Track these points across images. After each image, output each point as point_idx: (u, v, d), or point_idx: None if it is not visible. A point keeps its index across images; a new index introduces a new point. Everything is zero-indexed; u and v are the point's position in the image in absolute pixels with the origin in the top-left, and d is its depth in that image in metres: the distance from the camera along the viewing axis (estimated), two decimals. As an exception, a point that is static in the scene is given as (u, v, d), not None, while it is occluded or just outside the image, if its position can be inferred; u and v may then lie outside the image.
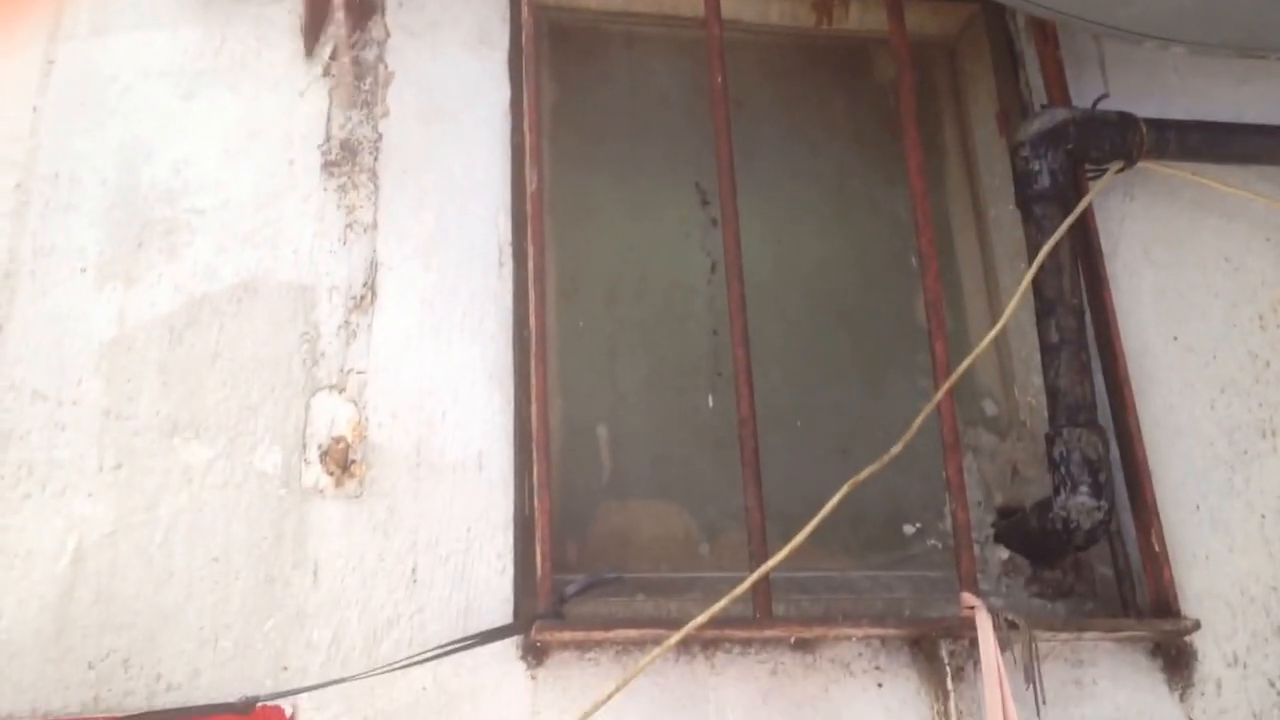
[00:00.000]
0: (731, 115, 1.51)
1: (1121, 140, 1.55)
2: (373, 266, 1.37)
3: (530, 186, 1.44)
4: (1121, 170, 1.57)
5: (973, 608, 1.25)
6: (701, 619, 1.17)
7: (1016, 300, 1.40)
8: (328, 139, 1.43)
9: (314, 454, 1.25)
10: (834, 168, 1.75)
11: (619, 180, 1.67)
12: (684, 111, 1.72)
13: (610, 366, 1.53)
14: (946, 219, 1.74)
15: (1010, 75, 1.74)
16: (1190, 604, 1.37)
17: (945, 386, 1.36)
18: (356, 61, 1.47)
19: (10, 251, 1.29)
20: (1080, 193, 1.54)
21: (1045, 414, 1.46)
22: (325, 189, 1.40)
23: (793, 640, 1.26)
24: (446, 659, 1.18)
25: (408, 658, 1.18)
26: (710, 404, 1.51)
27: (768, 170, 1.72)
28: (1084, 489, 1.36)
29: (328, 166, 1.42)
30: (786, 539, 1.21)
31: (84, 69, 1.38)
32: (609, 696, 1.12)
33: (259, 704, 1.12)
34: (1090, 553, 1.42)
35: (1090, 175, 1.57)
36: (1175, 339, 1.52)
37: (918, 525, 1.50)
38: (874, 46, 1.81)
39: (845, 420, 1.54)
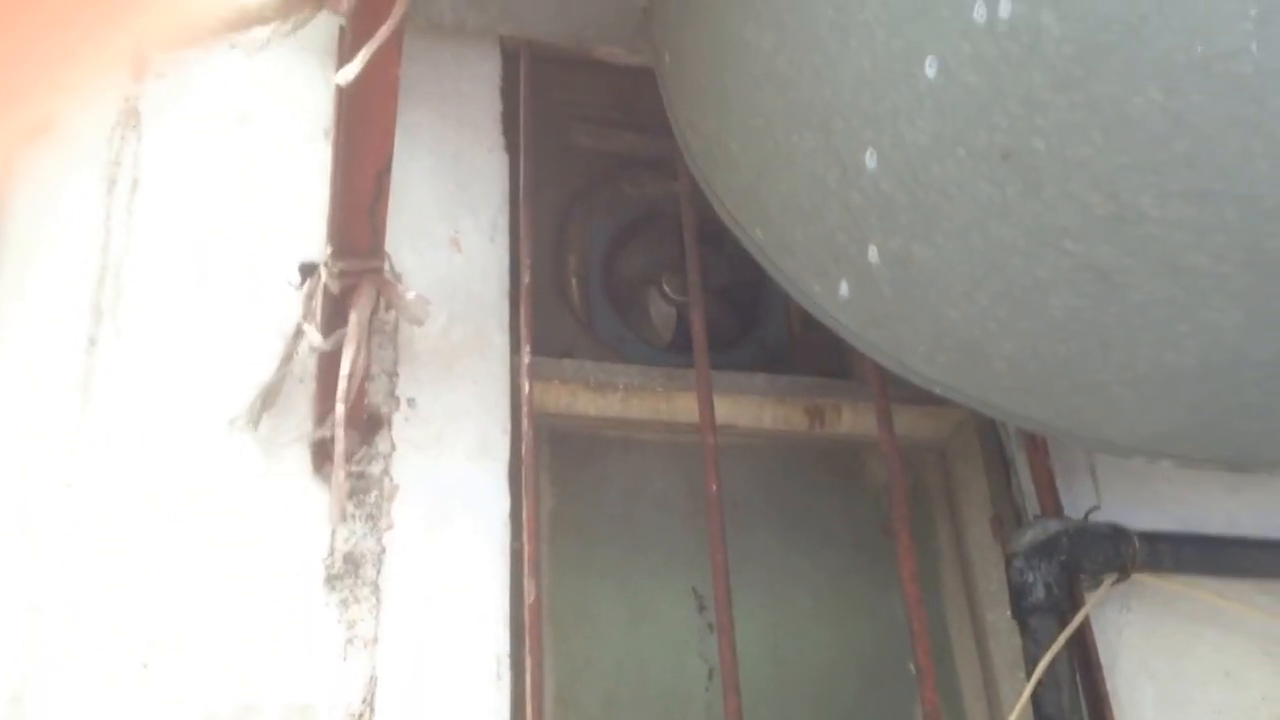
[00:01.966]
0: (727, 519, 1.77)
1: (1115, 553, 1.81)
2: (372, 682, 1.60)
3: (528, 598, 1.70)
4: (1117, 583, 1.82)
5: None
6: None
7: (1015, 717, 1.63)
8: (331, 553, 1.70)
9: None
10: (830, 571, 2.01)
11: (617, 585, 1.92)
12: (680, 516, 2.01)
13: (605, 781, 1.74)
14: (944, 624, 1.99)
15: (1002, 479, 2.07)
16: None
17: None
18: (361, 476, 1.78)
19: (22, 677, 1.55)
20: (1077, 605, 1.80)
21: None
22: (327, 604, 1.66)
23: None
24: None
25: None
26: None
27: (764, 574, 1.98)
28: None
29: (330, 580, 1.69)
30: None
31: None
32: None
33: None
34: None
35: (1086, 587, 1.83)
36: (1182, 756, 1.71)
37: None
38: (866, 449, 2.13)
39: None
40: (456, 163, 2.07)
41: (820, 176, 1.50)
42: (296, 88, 2.02)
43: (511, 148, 2.10)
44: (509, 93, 2.16)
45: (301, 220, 1.92)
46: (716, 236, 2.18)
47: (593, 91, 2.43)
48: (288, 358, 1.72)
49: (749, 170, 1.63)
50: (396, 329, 1.88)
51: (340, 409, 1.58)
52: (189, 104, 1.96)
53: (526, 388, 1.83)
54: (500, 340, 1.93)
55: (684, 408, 2.05)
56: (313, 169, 1.96)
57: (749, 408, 2.09)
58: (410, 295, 1.66)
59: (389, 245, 1.63)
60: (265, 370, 1.73)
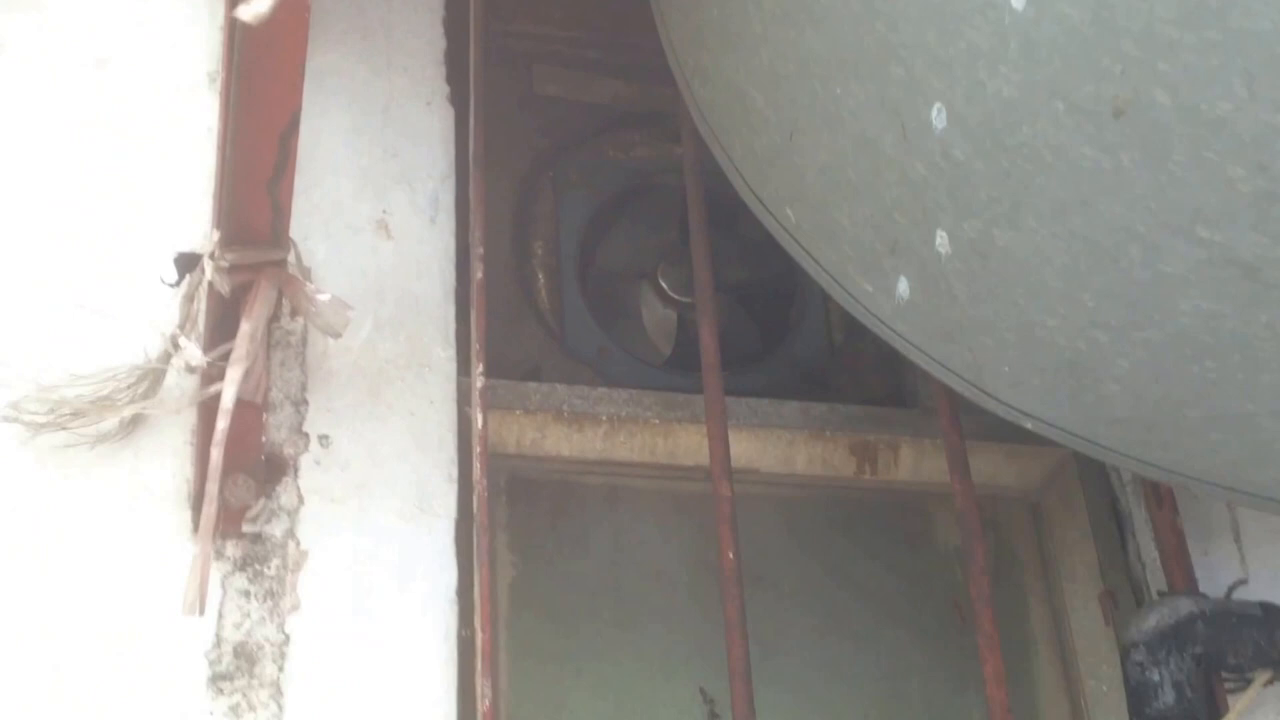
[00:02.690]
0: (747, 596, 1.76)
1: (1269, 642, 1.79)
2: (270, 820, 1.61)
3: (482, 702, 1.69)
4: (1270, 682, 1.80)
5: None
6: None
7: None
8: (217, 643, 1.69)
9: None
10: (883, 664, 2.00)
11: (599, 684, 1.91)
12: (684, 590, 2.00)
13: None
14: (1039, 737, 2.01)
15: (1115, 543, 2.07)
16: None
17: None
18: (258, 540, 1.77)
19: None
20: (1217, 712, 1.78)
21: None
22: (211, 713, 1.65)
23: None
24: None
25: None
26: None
27: (796, 669, 1.97)
28: None
29: (216, 681, 1.66)
30: None
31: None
32: None
33: None
34: None
35: (1230, 688, 1.80)
36: None
37: None
38: (933, 502, 2.13)
39: None
40: (385, 119, 2.07)
41: (872, 139, 1.51)
42: (171, 19, 2.02)
43: (458, 98, 2.10)
44: (455, 25, 2.16)
45: (179, 195, 1.91)
46: (731, 217, 2.18)
47: (565, 23, 2.44)
48: (157, 380, 1.72)
49: (778, 130, 1.63)
50: (305, 342, 1.88)
51: (215, 456, 1.57)
52: (44, 42, 1.96)
53: (479, 420, 1.84)
54: (444, 356, 1.93)
55: (689, 446, 2.05)
56: (194, 127, 1.96)
57: (776, 446, 2.09)
58: (323, 297, 1.66)
59: (296, 230, 1.63)
60: (127, 395, 1.71)
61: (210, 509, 1.58)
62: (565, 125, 2.38)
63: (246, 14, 1.24)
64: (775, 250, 1.74)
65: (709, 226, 2.03)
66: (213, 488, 1.60)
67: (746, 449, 2.05)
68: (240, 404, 1.60)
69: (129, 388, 1.70)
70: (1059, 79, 1.35)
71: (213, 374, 1.64)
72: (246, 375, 1.61)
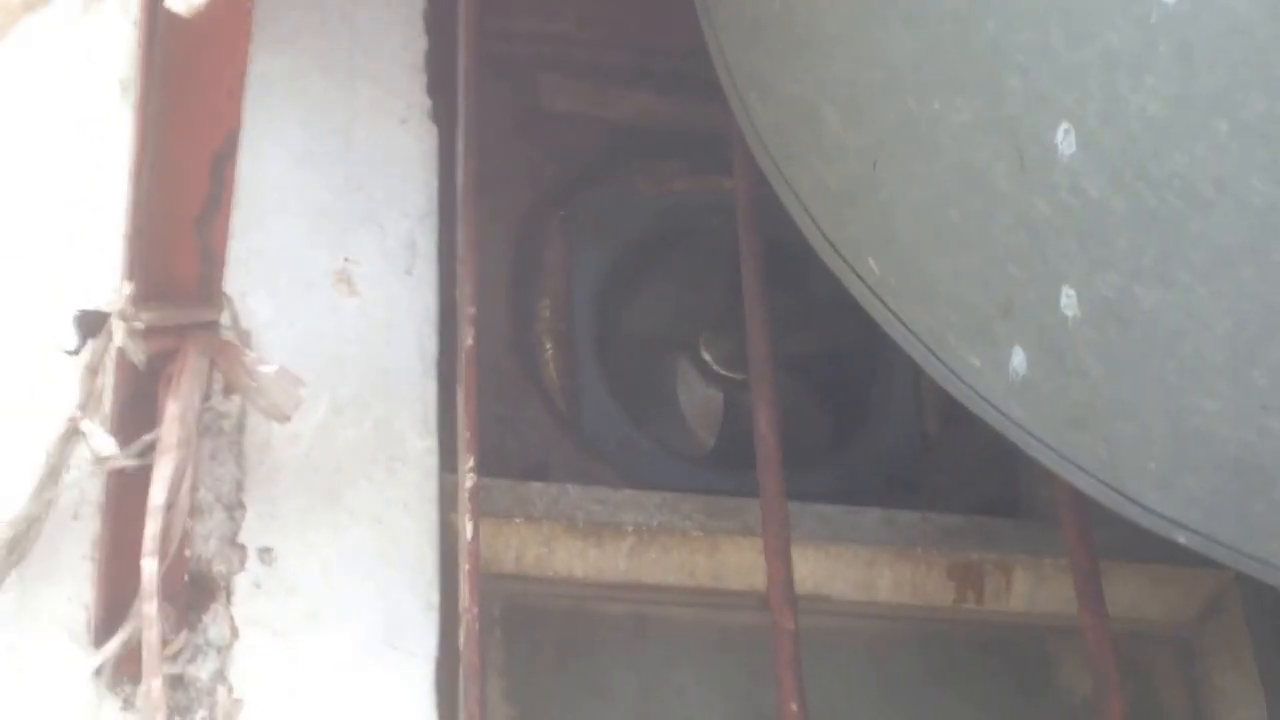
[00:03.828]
0: None
1: None
2: None
3: None
4: None
5: None
6: None
7: None
8: (128, 818, 1.69)
9: None
10: None
11: None
12: (732, 754, 2.02)
13: None
14: None
15: (1293, 696, 2.08)
16: None
17: None
18: (180, 684, 1.77)
19: None
20: None
21: None
22: None
23: None
24: None
25: None
26: None
27: None
28: None
29: None
30: None
31: None
32: None
33: None
34: None
35: None
36: None
37: None
38: (1056, 639, 2.14)
39: None
40: (348, 141, 2.08)
41: (981, 170, 1.51)
42: (68, 7, 2.04)
43: (443, 115, 2.12)
44: (439, 22, 2.18)
45: (81, 238, 1.93)
46: (797, 271, 2.19)
47: (580, 21, 2.46)
48: (52, 478, 1.72)
49: (858, 158, 1.63)
50: (242, 428, 1.88)
51: (149, 569, 1.58)
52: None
53: (467, 531, 1.83)
54: (422, 447, 1.94)
55: (739, 565, 2.05)
56: (102, 150, 1.97)
57: (853, 567, 2.10)
58: (267, 369, 1.66)
59: (232, 283, 1.63)
60: (11, 500, 1.71)
61: (151, 637, 1.58)
62: (580, 150, 2.40)
63: (181, 5, 1.25)
64: (853, 313, 1.74)
65: (767, 282, 2.03)
66: (150, 608, 1.59)
67: (814, 570, 2.06)
68: (168, 507, 1.60)
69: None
70: (1223, 92, 1.34)
71: (123, 475, 1.64)
72: (176, 471, 1.61)
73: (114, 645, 1.66)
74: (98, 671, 1.73)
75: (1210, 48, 1.34)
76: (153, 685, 1.60)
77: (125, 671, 1.71)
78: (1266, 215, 1.37)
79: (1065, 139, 1.44)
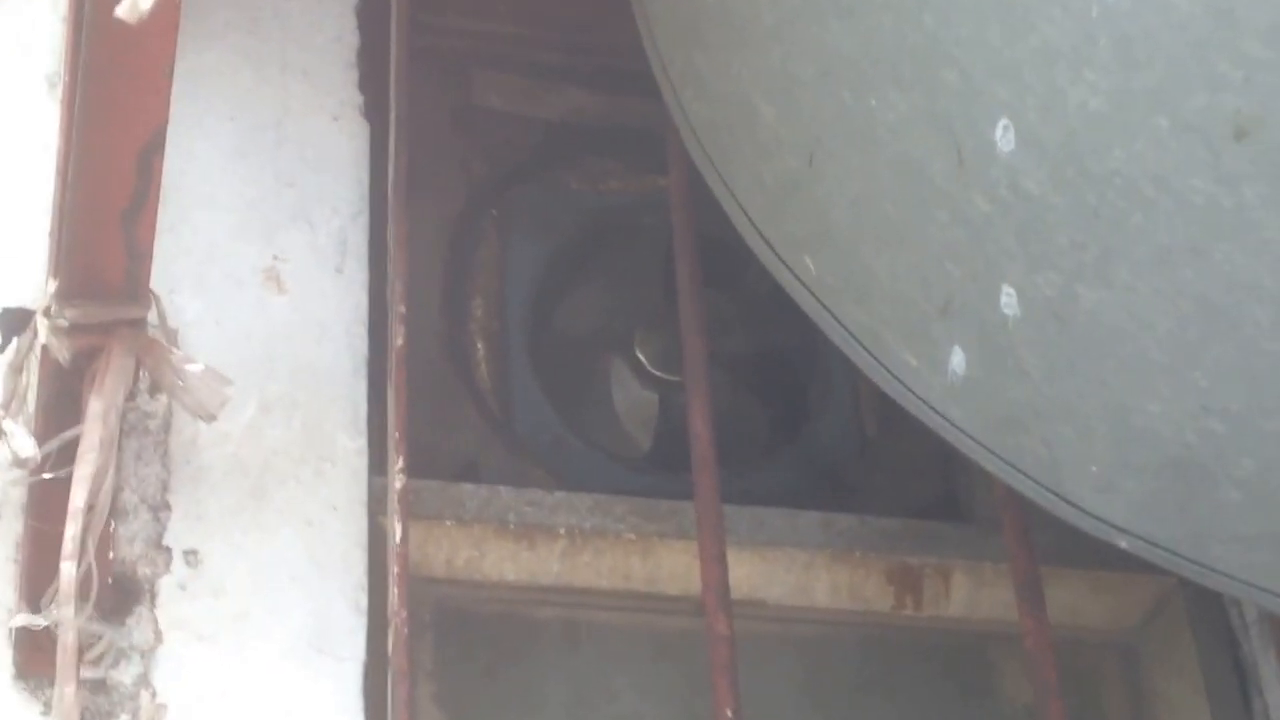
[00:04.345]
0: None
1: None
2: None
3: None
4: None
5: None
6: None
7: None
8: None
9: None
10: None
11: None
12: (667, 760, 2.00)
13: None
14: None
15: (1234, 700, 2.05)
16: None
17: None
18: (101, 688, 1.74)
19: None
20: None
21: None
22: None
23: None
24: None
25: None
26: None
27: None
28: None
29: None
30: None
31: None
32: None
33: None
34: None
35: None
36: None
37: None
38: (996, 645, 2.14)
39: None
40: (279, 137, 2.07)
41: (918, 165, 1.51)
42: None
43: (375, 111, 2.11)
44: (372, 18, 2.17)
45: (5, 234, 1.91)
46: (733, 269, 2.19)
47: (514, 17, 2.45)
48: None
49: (794, 153, 1.63)
50: (168, 428, 1.87)
51: (67, 572, 1.56)
52: None
53: (397, 533, 1.83)
54: (351, 448, 1.93)
55: (674, 569, 2.05)
56: (27, 145, 1.96)
57: (790, 571, 2.09)
58: (194, 368, 1.66)
59: (159, 280, 1.62)
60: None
61: (66, 641, 1.57)
62: (514, 148, 2.39)
63: (126, 10, 1.24)
64: (790, 312, 1.74)
65: (703, 281, 2.03)
66: (68, 612, 1.58)
67: (750, 574, 2.05)
68: (89, 508, 1.59)
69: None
70: (1163, 88, 1.35)
71: (45, 469, 1.63)
72: (99, 472, 1.60)
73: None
74: (21, 678, 1.72)
75: (1150, 43, 1.35)
76: (66, 691, 1.59)
77: (46, 675, 1.69)
78: (1207, 213, 1.38)
79: (1004, 135, 1.44)
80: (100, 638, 1.74)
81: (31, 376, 1.65)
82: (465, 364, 2.25)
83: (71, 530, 1.57)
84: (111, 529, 1.77)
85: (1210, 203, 1.37)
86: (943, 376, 1.59)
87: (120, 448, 1.74)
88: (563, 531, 2.02)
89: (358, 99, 2.12)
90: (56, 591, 1.61)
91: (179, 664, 1.77)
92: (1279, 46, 1.30)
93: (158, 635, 1.79)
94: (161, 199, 1.51)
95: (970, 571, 2.12)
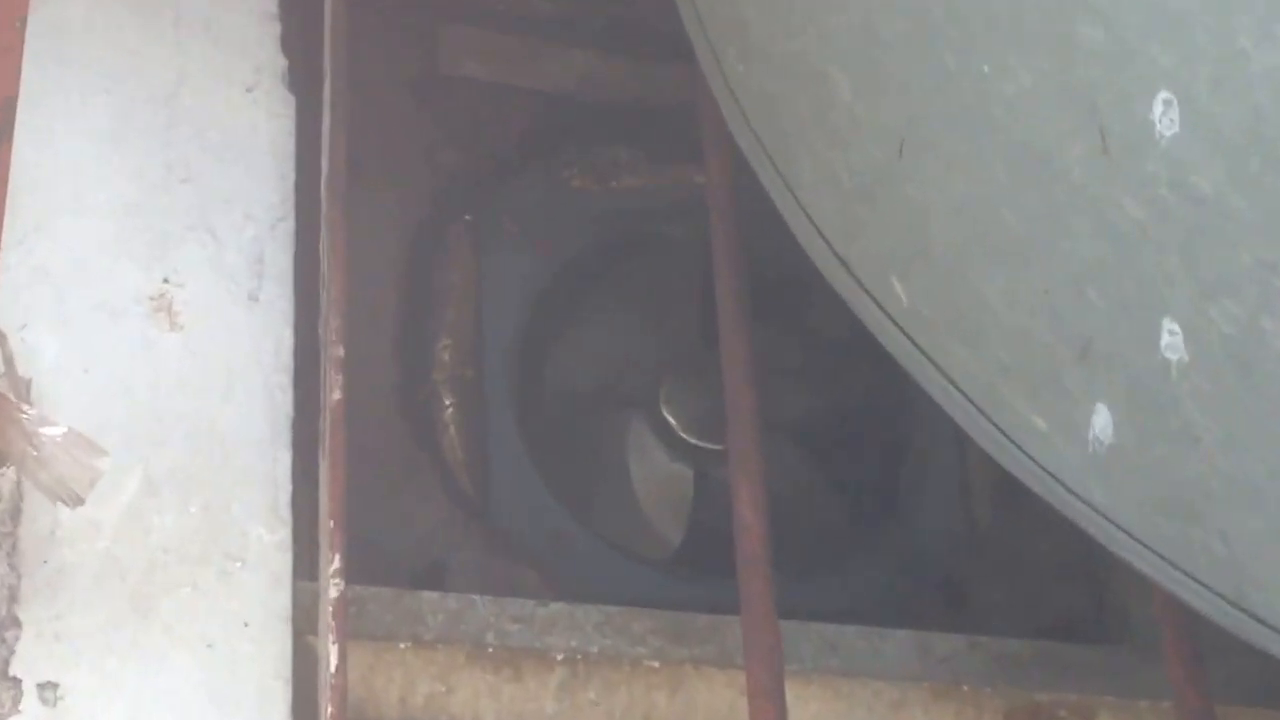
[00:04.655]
0: None
1: None
2: None
3: None
4: None
5: None
6: None
7: None
8: None
9: None
10: None
11: None
12: None
13: None
14: None
15: None
16: None
17: None
18: None
19: None
20: None
21: None
22: None
23: None
24: None
25: None
26: None
27: None
28: None
29: None
30: None
31: None
32: None
33: None
34: None
35: None
36: None
37: None
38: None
39: None
40: (172, 116, 2.09)
41: (1047, 156, 1.51)
42: None
43: (303, 81, 2.13)
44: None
45: None
46: (795, 299, 2.19)
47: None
48: None
49: (878, 142, 1.64)
50: (18, 514, 1.88)
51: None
52: None
53: (332, 659, 1.83)
54: (270, 541, 1.94)
55: (714, 707, 2.06)
56: None
57: (875, 711, 2.10)
58: (53, 432, 1.66)
59: (7, 313, 1.62)
60: None
61: None
62: (497, 131, 2.40)
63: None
64: (874, 357, 1.74)
65: (754, 315, 2.03)
66: None
67: (820, 714, 2.07)
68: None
69: None
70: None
71: None
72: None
73: None
74: None
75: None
76: None
77: None
78: None
79: (1165, 114, 1.44)
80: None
81: None
82: (428, 426, 2.26)
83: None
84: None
85: None
86: (1081, 445, 1.59)
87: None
88: (561, 658, 2.02)
89: (280, 63, 2.13)
90: None
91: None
92: None
93: (-1, 801, 1.80)
94: (9, 201, 1.52)
95: (1121, 711, 2.12)
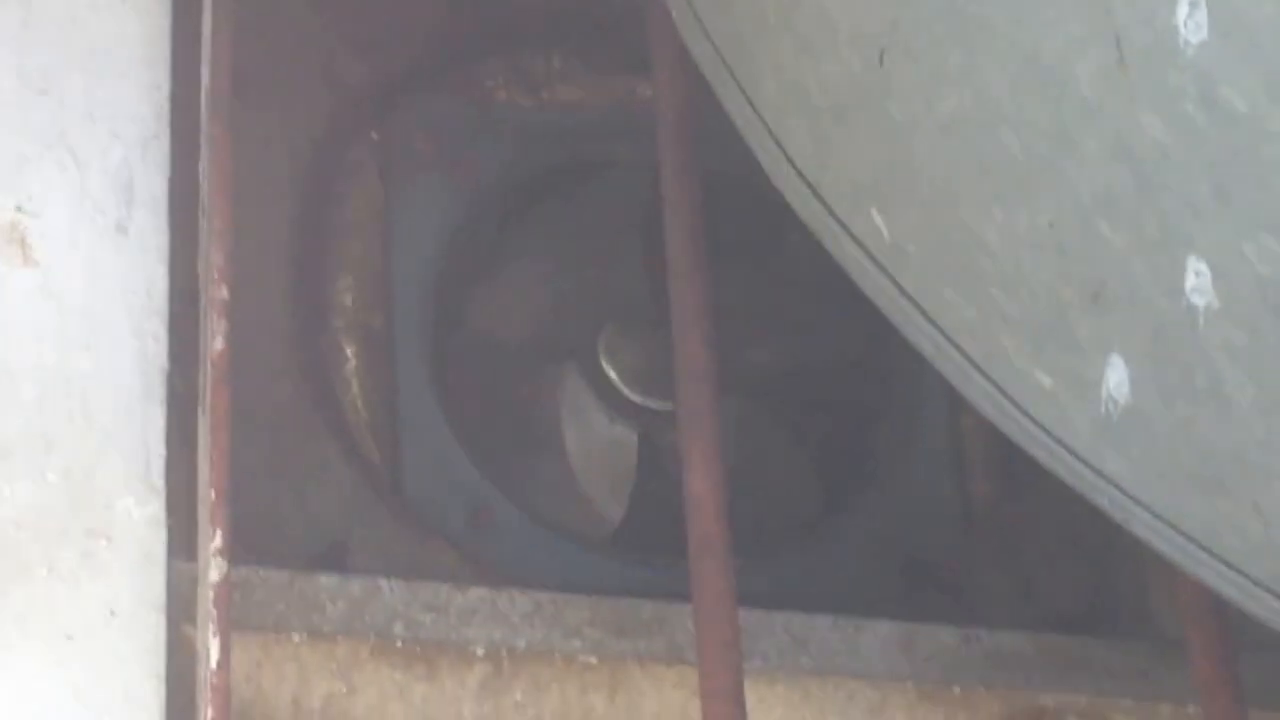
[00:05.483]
0: None
1: None
2: None
3: None
4: None
5: None
6: None
7: None
8: None
9: None
10: None
11: None
12: None
13: None
14: None
15: None
16: None
17: None
18: None
19: None
20: None
21: None
22: None
23: None
24: None
25: None
26: None
27: None
28: None
29: None
30: None
31: None
32: None
33: None
34: None
35: None
36: None
37: None
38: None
39: None
40: (25, 13, 2.08)
41: (1054, 67, 1.52)
42: None
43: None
44: None
45: None
46: (758, 234, 2.19)
47: None
48: None
49: (856, 49, 1.64)
50: None
51: None
52: None
53: (213, 653, 1.83)
54: (140, 516, 1.94)
55: (661, 709, 2.08)
56: None
57: (850, 713, 2.11)
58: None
59: None
60: None
61: None
62: (408, 35, 2.40)
63: None
64: (850, 301, 1.75)
65: (709, 252, 2.03)
66: None
67: (786, 718, 2.06)
68: None
69: None
70: None
71: None
72: None
73: None
74: None
75: None
76: None
77: None
78: None
79: (1190, 17, 1.44)
80: None
81: None
82: (327, 382, 2.26)
83: None
84: None
85: None
86: (1093, 405, 1.60)
87: None
88: (482, 652, 2.03)
89: (156, -41, 2.13)
90: None
91: None
92: None
93: None
94: None
95: (1139, 716, 2.14)
